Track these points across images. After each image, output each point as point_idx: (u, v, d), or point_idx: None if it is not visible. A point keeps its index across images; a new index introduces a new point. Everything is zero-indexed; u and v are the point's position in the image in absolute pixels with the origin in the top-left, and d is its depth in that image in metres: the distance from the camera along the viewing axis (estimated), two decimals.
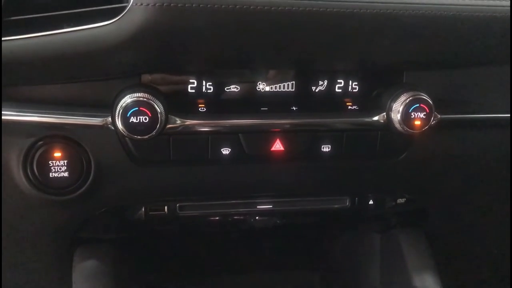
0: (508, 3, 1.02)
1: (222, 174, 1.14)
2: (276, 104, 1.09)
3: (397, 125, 1.08)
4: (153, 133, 0.99)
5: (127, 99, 0.97)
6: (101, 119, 1.01)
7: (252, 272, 1.70)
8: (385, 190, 1.31)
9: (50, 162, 1.03)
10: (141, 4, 0.88)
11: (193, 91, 1.07)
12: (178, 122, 1.03)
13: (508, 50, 1.09)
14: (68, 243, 1.22)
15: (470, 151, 1.24)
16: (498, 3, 1.01)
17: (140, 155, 1.07)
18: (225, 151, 1.08)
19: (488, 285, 1.63)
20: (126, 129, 0.98)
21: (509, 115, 1.20)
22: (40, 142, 1.03)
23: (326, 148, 1.12)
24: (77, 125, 1.02)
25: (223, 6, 0.89)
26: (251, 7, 0.89)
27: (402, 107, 1.07)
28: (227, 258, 1.66)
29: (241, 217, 1.31)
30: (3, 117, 0.98)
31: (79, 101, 1.01)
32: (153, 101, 0.97)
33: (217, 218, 1.29)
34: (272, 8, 0.90)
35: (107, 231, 1.30)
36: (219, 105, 1.07)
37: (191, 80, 1.06)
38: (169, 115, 1.01)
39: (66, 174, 1.05)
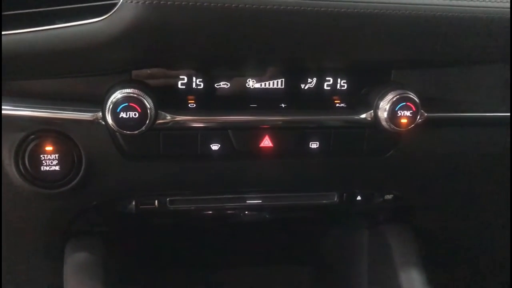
0: (494, 3, 1.03)
1: (212, 170, 1.16)
2: (266, 101, 1.10)
3: (384, 123, 1.10)
4: (143, 128, 1.00)
5: (117, 95, 0.98)
6: (92, 114, 1.02)
7: (241, 267, 1.71)
8: (372, 187, 1.32)
9: (41, 155, 1.05)
10: (131, 2, 0.89)
11: (183, 87, 1.08)
12: (168, 118, 1.04)
13: (496, 50, 1.11)
14: (60, 236, 1.23)
15: (456, 149, 1.25)
16: (487, 4, 1.03)
17: (131, 150, 1.08)
18: (215, 147, 1.10)
19: (475, 281, 1.65)
20: (116, 124, 0.99)
21: (495, 114, 1.22)
22: (32, 136, 1.04)
23: (314, 145, 1.14)
24: (68, 119, 1.03)
25: (212, 4, 0.90)
26: (240, 5, 0.91)
27: (388, 105, 1.08)
28: (217, 253, 1.67)
29: (231, 212, 1.33)
30: None
31: (70, 96, 1.02)
32: (143, 97, 0.99)
33: (207, 212, 1.30)
34: (261, 7, 0.91)
35: (99, 224, 1.31)
36: (209, 101, 1.08)
37: (181, 76, 1.07)
38: (158, 111, 1.02)
39: (57, 168, 1.06)
